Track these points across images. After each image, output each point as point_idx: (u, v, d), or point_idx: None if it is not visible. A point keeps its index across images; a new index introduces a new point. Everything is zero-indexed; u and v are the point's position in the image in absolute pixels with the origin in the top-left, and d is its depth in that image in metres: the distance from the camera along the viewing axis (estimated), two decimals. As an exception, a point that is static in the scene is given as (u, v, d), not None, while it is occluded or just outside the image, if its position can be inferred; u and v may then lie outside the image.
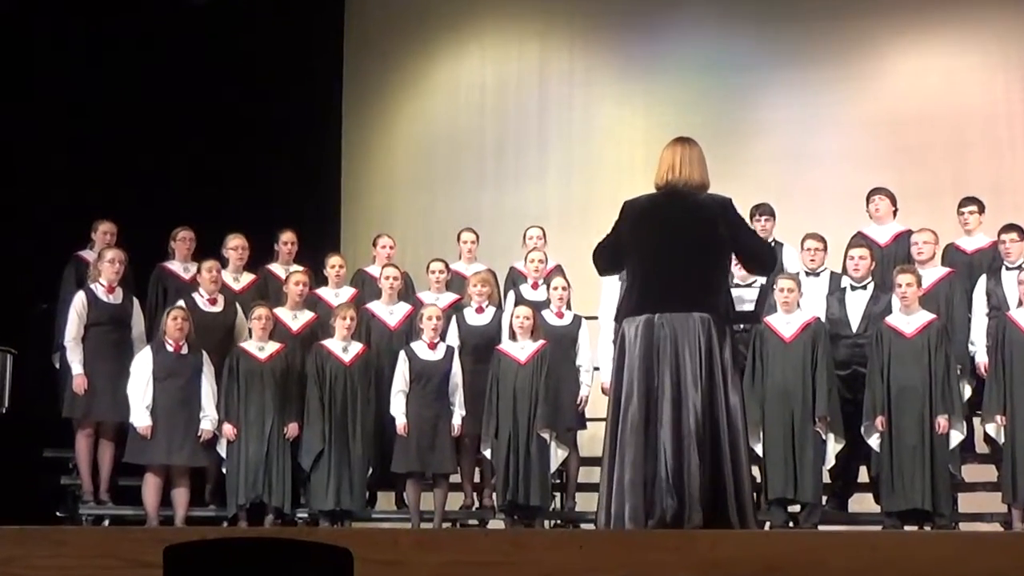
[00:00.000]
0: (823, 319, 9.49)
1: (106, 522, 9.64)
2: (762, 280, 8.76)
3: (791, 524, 9.21)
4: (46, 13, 11.63)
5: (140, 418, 9.35)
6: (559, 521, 9.99)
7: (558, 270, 10.54)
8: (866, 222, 10.29)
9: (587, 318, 10.09)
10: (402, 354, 9.67)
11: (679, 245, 6.57)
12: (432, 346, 9.66)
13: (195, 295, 10.00)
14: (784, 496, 9.14)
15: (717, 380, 6.48)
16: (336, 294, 10.46)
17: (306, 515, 9.74)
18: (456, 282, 10.61)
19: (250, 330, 9.76)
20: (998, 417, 9.01)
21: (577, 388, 9.86)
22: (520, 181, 13.66)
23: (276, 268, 10.74)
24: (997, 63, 12.56)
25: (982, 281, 9.55)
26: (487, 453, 9.66)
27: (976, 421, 9.42)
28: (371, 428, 9.71)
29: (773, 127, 13.07)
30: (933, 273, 9.69)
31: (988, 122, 12.47)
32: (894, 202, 10.22)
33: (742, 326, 9.06)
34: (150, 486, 9.41)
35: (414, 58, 14.22)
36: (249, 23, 12.88)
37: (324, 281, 10.59)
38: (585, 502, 9.64)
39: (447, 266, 10.57)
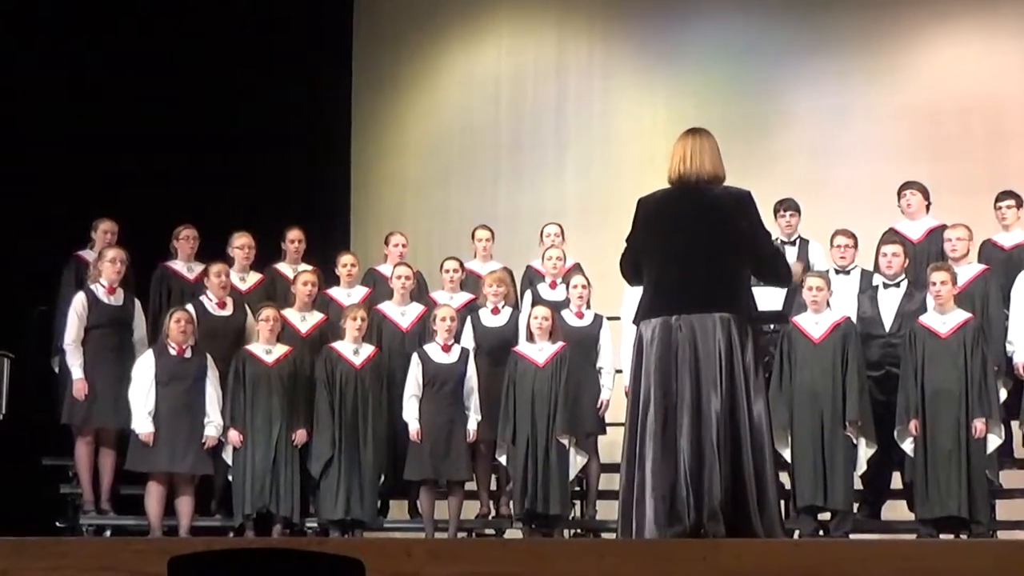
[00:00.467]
0: (854, 319, 9.47)
1: (107, 533, 9.64)
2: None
3: (821, 533, 9.20)
4: (45, 5, 11.65)
5: (142, 424, 9.36)
6: (579, 530, 9.99)
7: (577, 268, 10.54)
8: (898, 217, 10.26)
9: (608, 318, 10.08)
10: (415, 357, 9.67)
11: (695, 241, 6.52)
12: (446, 348, 9.66)
13: (203, 298, 10.00)
14: (813, 504, 9.13)
15: (738, 383, 6.44)
16: (348, 294, 10.46)
17: (315, 525, 9.74)
18: (471, 281, 10.61)
19: (257, 332, 9.76)
20: (1038, 420, 9.00)
21: (598, 391, 9.86)
22: (537, 176, 13.66)
23: (283, 268, 10.75)
24: (1036, 50, 12.52)
25: (1021, 278, 9.51)
26: (504, 460, 9.66)
27: (1015, 425, 9.40)
28: (383, 434, 9.71)
29: (800, 119, 13.04)
30: (968, 270, 9.66)
31: (1027, 112, 12.44)
32: (927, 196, 10.19)
33: (771, 326, 9.06)
34: (153, 495, 9.42)
35: (426, 49, 14.23)
36: (254, 14, 12.90)
37: (335, 281, 10.59)
38: (606, 510, 9.64)
39: (461, 265, 10.57)
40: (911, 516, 9.31)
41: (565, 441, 9.50)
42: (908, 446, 9.13)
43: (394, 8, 14.46)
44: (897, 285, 9.62)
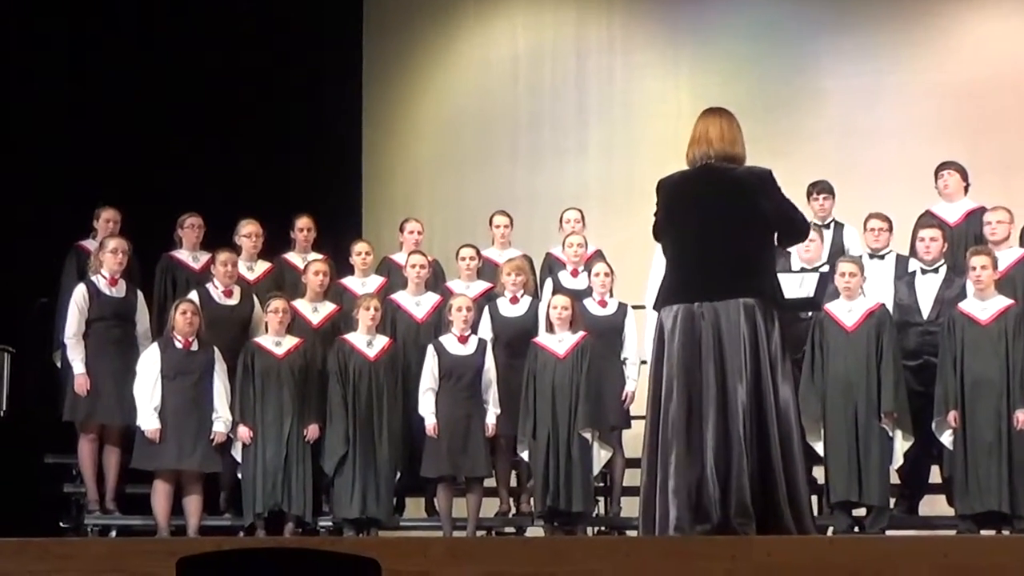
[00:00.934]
0: (889, 305, 9.44)
1: (113, 533, 9.68)
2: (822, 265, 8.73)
3: (856, 529, 9.19)
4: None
5: (148, 420, 9.37)
6: (603, 528, 10.00)
7: (599, 255, 10.52)
8: (934, 199, 10.23)
9: (633, 307, 10.07)
10: (430, 349, 9.68)
11: (716, 224, 6.51)
12: (463, 340, 9.66)
13: (209, 286, 10.01)
14: (848, 499, 9.12)
15: (764, 372, 6.43)
16: (363, 283, 10.46)
17: (329, 524, 9.75)
18: (488, 270, 10.60)
19: (266, 324, 9.77)
20: (1083, 411, 8.96)
21: (622, 383, 9.86)
22: (556, 159, 13.65)
23: (293, 257, 10.75)
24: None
25: (1065, 262, 9.49)
26: (524, 455, 9.66)
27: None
28: (398, 429, 9.72)
29: (831, 97, 13.01)
30: (1010, 254, 9.63)
31: (1069, 88, 12.40)
32: (965, 177, 10.16)
33: (807, 314, 9.04)
34: (160, 494, 9.44)
35: (439, 28, 14.21)
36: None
37: (347, 270, 10.59)
38: (631, 507, 9.61)
39: (478, 252, 10.57)
40: (950, 512, 9.30)
41: (588, 435, 9.50)
42: (947, 438, 9.10)
43: (405, -15, 14.46)
44: (935, 271, 9.58)
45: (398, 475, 9.76)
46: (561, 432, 9.47)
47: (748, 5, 13.35)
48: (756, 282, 6.52)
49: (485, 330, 9.91)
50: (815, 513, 8.32)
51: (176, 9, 12.31)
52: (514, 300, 10.07)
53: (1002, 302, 9.17)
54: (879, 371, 9.15)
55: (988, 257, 9.21)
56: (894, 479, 9.37)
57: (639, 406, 9.82)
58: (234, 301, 10.02)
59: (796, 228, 6.75)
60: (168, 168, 11.82)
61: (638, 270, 9.63)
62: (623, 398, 9.84)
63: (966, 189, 10.18)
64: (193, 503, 9.48)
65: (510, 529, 9.97)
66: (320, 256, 10.52)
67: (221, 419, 9.50)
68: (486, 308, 10.02)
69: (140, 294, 9.97)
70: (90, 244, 10.31)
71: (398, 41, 14.22)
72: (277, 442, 9.52)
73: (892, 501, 9.37)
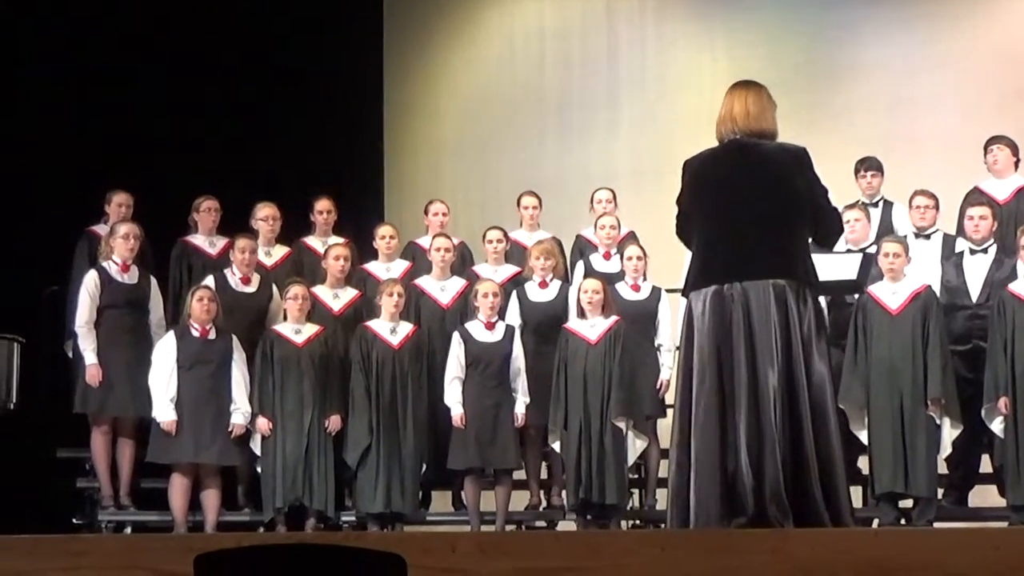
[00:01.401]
0: (935, 287, 9.41)
1: (128, 529, 9.72)
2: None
3: (902, 522, 9.17)
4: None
5: (163, 412, 9.40)
6: (638, 521, 10.00)
7: (632, 237, 10.51)
8: (983, 176, 10.18)
9: (668, 291, 10.04)
10: (456, 336, 9.68)
11: (746, 203, 6.48)
12: (490, 326, 9.66)
13: (226, 272, 10.02)
14: (894, 490, 9.11)
15: (796, 356, 6.38)
16: (388, 268, 10.45)
17: (352, 519, 9.79)
18: (516, 253, 10.60)
19: (285, 311, 9.78)
20: None
21: (657, 371, 9.84)
22: (586, 138, 13.63)
23: (312, 241, 10.75)
24: None
25: (1120, 241, 9.44)
26: (555, 446, 9.66)
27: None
28: (424, 420, 9.73)
29: (871, 69, 12.96)
30: (1062, 234, 9.59)
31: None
32: (1015, 152, 10.11)
33: (853, 297, 9.01)
34: (176, 488, 9.47)
35: (461, 1, 14.21)
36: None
37: (370, 255, 10.59)
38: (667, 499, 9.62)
39: (506, 235, 10.56)
40: (1001, 502, 9.28)
41: (622, 425, 9.49)
42: (997, 426, 9.08)
43: (427, -43, 14.45)
44: (985, 251, 9.54)
45: (423, 467, 9.77)
46: (593, 422, 9.46)
47: (785, -27, 13.32)
48: (788, 263, 6.47)
49: (513, 316, 9.91)
50: (860, 505, 8.31)
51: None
52: (543, 284, 10.06)
53: (1055, 283, 9.14)
54: (925, 356, 9.12)
55: (1040, 236, 9.19)
56: (942, 469, 9.35)
57: (674, 394, 9.82)
58: (252, 288, 10.04)
59: (827, 219, 6.66)
60: (182, 150, 11.83)
61: (673, 253, 9.56)
62: (658, 386, 9.82)
63: (1016, 165, 10.13)
64: (211, 498, 9.51)
65: (541, 523, 9.99)
66: (341, 240, 10.52)
67: (240, 410, 9.52)
68: (514, 293, 10.02)
69: (154, 281, 9.98)
70: (102, 229, 10.29)
71: (419, 16, 14.22)
72: (297, 434, 9.54)
73: (940, 492, 9.35)
